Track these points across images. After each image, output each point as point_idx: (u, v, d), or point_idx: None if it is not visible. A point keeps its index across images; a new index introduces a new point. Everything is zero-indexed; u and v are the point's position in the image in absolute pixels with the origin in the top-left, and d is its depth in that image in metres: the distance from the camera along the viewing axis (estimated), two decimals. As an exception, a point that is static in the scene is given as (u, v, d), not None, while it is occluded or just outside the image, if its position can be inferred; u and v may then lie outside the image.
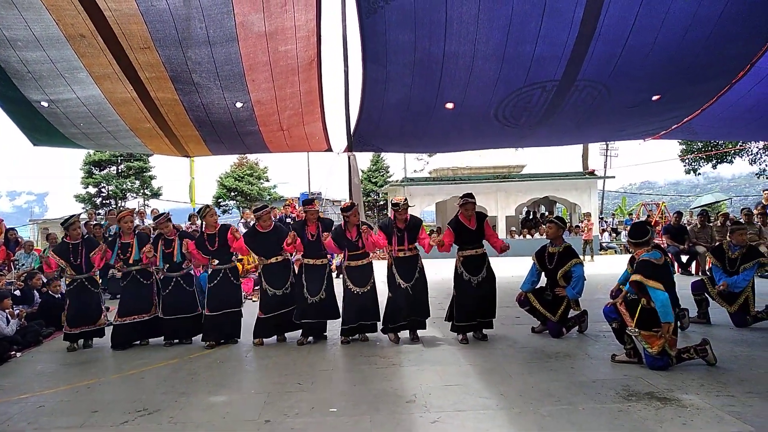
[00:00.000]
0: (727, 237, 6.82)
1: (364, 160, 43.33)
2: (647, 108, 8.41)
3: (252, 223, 7.22)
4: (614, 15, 6.25)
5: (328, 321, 6.39)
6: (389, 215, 6.30)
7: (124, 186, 34.01)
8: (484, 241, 6.23)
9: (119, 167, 34.13)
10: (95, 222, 12.00)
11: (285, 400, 4.36)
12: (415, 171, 37.25)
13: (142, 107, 7.50)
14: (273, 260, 6.30)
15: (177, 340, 6.40)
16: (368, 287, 6.20)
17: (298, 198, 25.91)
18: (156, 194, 35.56)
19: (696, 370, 4.78)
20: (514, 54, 6.79)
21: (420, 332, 6.26)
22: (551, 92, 7.64)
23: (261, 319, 6.25)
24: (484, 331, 6.19)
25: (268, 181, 40.08)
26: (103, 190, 34.04)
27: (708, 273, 7.01)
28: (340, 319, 6.21)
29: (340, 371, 5.19)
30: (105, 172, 34.28)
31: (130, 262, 6.33)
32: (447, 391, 4.45)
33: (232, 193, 38.21)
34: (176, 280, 6.36)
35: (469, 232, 6.11)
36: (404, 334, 6.25)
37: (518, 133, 9.26)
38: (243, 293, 9.62)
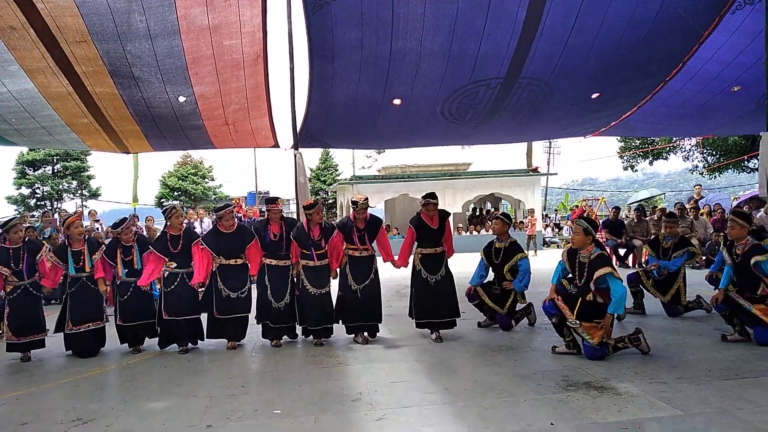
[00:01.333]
0: (661, 229, 7.12)
1: (312, 158, 43.11)
2: (587, 105, 8.72)
3: (192, 222, 7.02)
4: (556, 16, 6.44)
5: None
6: (350, 214, 6.13)
7: (61, 186, 32.60)
8: None
9: (55, 167, 32.70)
10: (28, 225, 11.43)
11: (228, 404, 4.27)
12: (363, 168, 37.18)
13: (78, 102, 7.21)
14: (232, 262, 6.05)
15: (143, 347, 6.13)
16: (327, 288, 6.05)
17: (245, 197, 25.49)
18: (95, 195, 34.26)
19: (631, 358, 4.97)
20: (459, 52, 6.91)
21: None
22: (495, 89, 7.82)
23: (211, 318, 6.01)
24: (442, 332, 6.04)
25: (213, 180, 39.24)
26: (37, 191, 32.53)
27: (644, 265, 7.32)
28: (298, 319, 6.06)
29: (285, 372, 5.12)
30: (39, 172, 32.76)
31: (87, 270, 5.93)
32: (393, 388, 4.46)
33: (176, 193, 37.19)
34: (135, 286, 6.02)
35: (431, 231, 6.07)
36: (342, 335, 6.21)
37: (464, 130, 9.43)
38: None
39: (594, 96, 8.38)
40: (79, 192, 33.72)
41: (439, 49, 6.86)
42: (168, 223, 6.14)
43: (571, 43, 6.87)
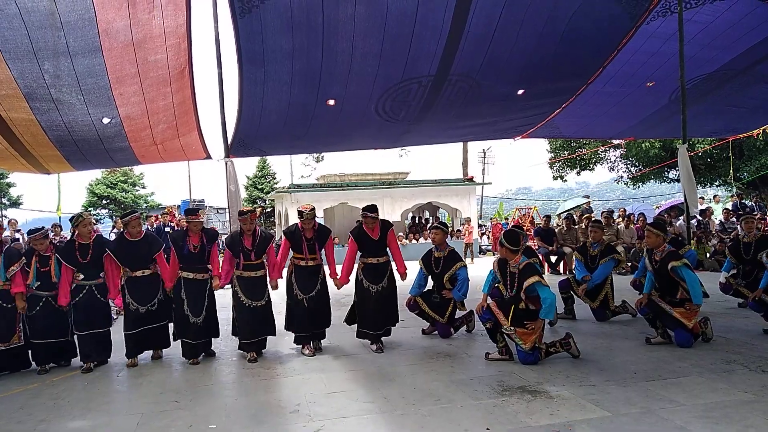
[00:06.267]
0: (589, 237, 7.42)
1: (249, 166, 42.34)
2: (514, 102, 9.12)
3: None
4: (481, 13, 6.68)
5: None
6: (298, 223, 5.98)
7: (-23, 194, 30.59)
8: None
9: (-31, 173, 30.64)
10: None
11: (160, 420, 4.11)
12: (302, 177, 36.93)
13: None
14: (139, 273, 5.78)
15: (53, 364, 5.71)
16: (263, 301, 5.85)
17: (179, 206, 24.70)
18: (15, 203, 32.31)
19: (562, 362, 5.14)
20: (390, 52, 7.05)
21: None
22: (427, 87, 8.06)
23: (127, 335, 5.71)
24: (383, 339, 6.05)
25: (144, 188, 37.85)
26: (-50, 199, 30.40)
27: (573, 272, 7.60)
28: (232, 328, 5.89)
29: (221, 386, 4.98)
30: (-48, 179, 30.63)
31: None
32: (331, 399, 4.42)
33: (104, 201, 35.63)
34: (46, 299, 5.61)
35: (371, 242, 6.04)
36: (288, 346, 6.12)
37: (399, 128, 9.57)
38: (116, 308, 8.96)
39: (519, 92, 8.77)
40: (-2, 200, 31.75)
41: (370, 50, 6.97)
42: (75, 232, 5.82)
43: (496, 38, 7.17)
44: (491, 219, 23.67)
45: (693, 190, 8.15)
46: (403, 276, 6.16)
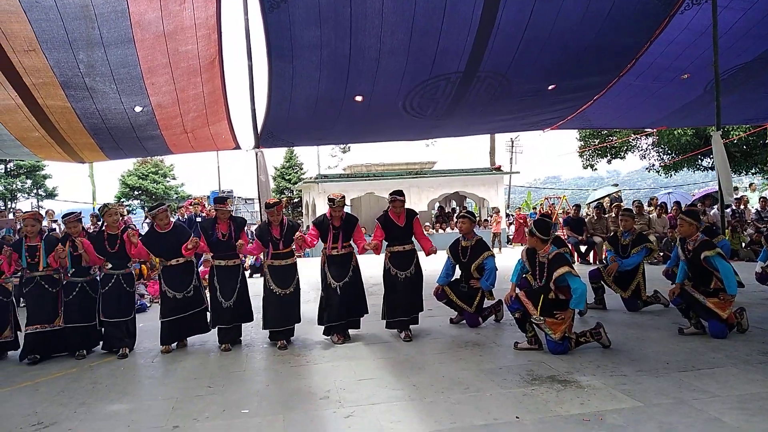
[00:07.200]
0: (620, 226, 7.31)
1: (277, 157, 42.61)
2: (544, 97, 8.96)
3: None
4: (511, 11, 6.57)
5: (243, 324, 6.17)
6: (326, 212, 6.06)
7: (14, 186, 31.45)
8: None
9: (7, 165, 31.52)
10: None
11: (194, 404, 4.21)
12: (329, 167, 37.08)
13: (29, 115, 6.88)
14: (174, 262, 5.95)
15: (85, 351, 5.88)
16: (291, 288, 5.97)
17: (208, 196, 25.07)
18: (51, 195, 33.15)
19: (593, 352, 5.10)
20: (418, 48, 6.98)
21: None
22: (456, 83, 7.95)
23: (163, 323, 5.91)
24: (411, 327, 6.08)
25: (174, 179, 38.47)
26: (-11, 190, 31.31)
27: (604, 261, 7.50)
28: (262, 321, 5.98)
29: (252, 372, 5.08)
30: (-9, 171, 31.55)
31: (40, 268, 5.71)
32: (360, 386, 4.47)
33: (136, 192, 36.35)
34: (81, 285, 5.83)
35: (397, 228, 6.08)
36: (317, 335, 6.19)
37: (427, 123, 9.53)
38: (150, 296, 9.21)
39: (550, 87, 8.61)
40: (35, 191, 32.60)
41: (398, 46, 6.92)
42: (104, 222, 6.00)
43: (528, 36, 7.04)
44: (517, 210, 23.42)
45: (728, 178, 7.92)
46: (428, 252, 6.06)
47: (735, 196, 13.20)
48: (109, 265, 5.92)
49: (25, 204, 31.64)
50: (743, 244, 12.02)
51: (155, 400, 4.40)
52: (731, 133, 18.86)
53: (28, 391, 4.77)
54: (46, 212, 13.07)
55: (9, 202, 31.12)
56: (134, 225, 12.14)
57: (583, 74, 8.37)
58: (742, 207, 13.54)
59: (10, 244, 5.91)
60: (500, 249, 17.40)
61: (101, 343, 6.00)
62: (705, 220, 8.42)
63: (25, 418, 4.10)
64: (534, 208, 25.99)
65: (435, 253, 6.13)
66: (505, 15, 6.56)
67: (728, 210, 12.39)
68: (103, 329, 5.96)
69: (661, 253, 11.17)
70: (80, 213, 6.24)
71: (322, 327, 6.09)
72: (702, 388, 4.03)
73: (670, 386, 4.11)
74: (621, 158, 25.13)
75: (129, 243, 5.89)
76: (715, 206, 12.34)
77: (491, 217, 18.94)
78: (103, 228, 6.02)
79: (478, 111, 9.20)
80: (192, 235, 6.07)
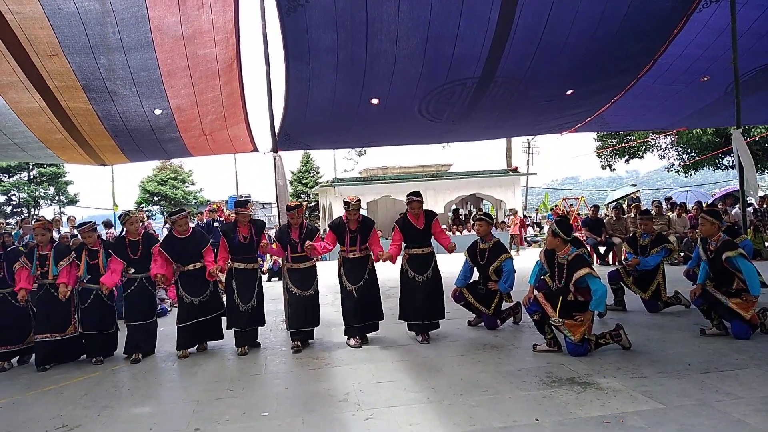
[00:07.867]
0: (639, 227, 7.24)
1: (293, 161, 42.97)
2: (561, 102, 8.88)
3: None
4: (528, 15, 6.54)
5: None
6: (342, 215, 6.09)
7: (37, 193, 32.05)
8: (433, 241, 6.20)
9: (30, 173, 32.14)
10: (4, 231, 11.22)
11: (215, 407, 4.26)
12: (345, 171, 37.25)
13: (52, 117, 7.03)
14: (191, 267, 6.02)
15: (102, 357, 5.94)
16: (311, 291, 6.03)
17: (226, 201, 25.26)
18: (73, 201, 33.74)
19: (613, 354, 5.05)
20: (434, 53, 6.98)
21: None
22: (472, 89, 7.92)
23: (179, 328, 5.94)
24: (429, 332, 6.05)
25: (193, 184, 38.93)
26: (13, 197, 31.94)
27: (624, 263, 7.42)
28: (287, 323, 6.00)
29: (271, 375, 5.12)
30: (15, 178, 32.21)
31: (49, 277, 5.76)
32: (379, 388, 4.48)
33: (156, 198, 36.81)
34: (96, 293, 5.89)
35: (416, 231, 6.07)
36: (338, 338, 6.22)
37: (442, 128, 9.53)
38: (170, 300, 9.30)
39: (568, 93, 8.55)
40: (57, 198, 33.18)
41: (414, 50, 6.93)
42: (124, 229, 6.10)
43: (545, 41, 6.99)
44: (553, 207, 23.12)
45: (753, 174, 7.71)
46: (449, 248, 6.00)
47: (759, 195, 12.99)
48: (132, 270, 6.04)
49: (47, 211, 32.21)
50: (766, 244, 11.82)
51: (176, 403, 4.46)
52: (753, 131, 18.54)
53: (53, 395, 4.86)
54: (68, 219, 13.28)
55: (32, 209, 31.68)
56: (154, 230, 12.25)
57: (600, 77, 8.29)
58: (764, 206, 13.33)
59: (25, 252, 5.98)
60: (518, 251, 17.30)
61: (124, 347, 6.06)
62: (726, 219, 8.29)
63: (50, 421, 4.18)
64: (551, 209, 25.79)
65: (455, 248, 6.09)
66: (522, 19, 6.52)
67: (750, 209, 12.19)
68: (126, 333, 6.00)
69: (682, 254, 11.03)
70: (94, 223, 6.36)
71: (342, 329, 6.12)
72: (725, 390, 3.98)
73: (692, 388, 4.06)
74: (640, 158, 24.87)
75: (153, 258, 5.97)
76: (737, 205, 12.14)
77: (508, 218, 18.84)
78: (123, 234, 6.12)
79: (495, 116, 9.17)
80: (210, 241, 6.14)
